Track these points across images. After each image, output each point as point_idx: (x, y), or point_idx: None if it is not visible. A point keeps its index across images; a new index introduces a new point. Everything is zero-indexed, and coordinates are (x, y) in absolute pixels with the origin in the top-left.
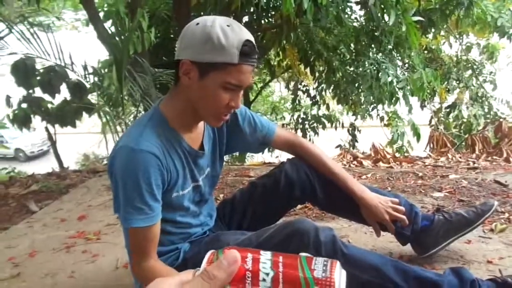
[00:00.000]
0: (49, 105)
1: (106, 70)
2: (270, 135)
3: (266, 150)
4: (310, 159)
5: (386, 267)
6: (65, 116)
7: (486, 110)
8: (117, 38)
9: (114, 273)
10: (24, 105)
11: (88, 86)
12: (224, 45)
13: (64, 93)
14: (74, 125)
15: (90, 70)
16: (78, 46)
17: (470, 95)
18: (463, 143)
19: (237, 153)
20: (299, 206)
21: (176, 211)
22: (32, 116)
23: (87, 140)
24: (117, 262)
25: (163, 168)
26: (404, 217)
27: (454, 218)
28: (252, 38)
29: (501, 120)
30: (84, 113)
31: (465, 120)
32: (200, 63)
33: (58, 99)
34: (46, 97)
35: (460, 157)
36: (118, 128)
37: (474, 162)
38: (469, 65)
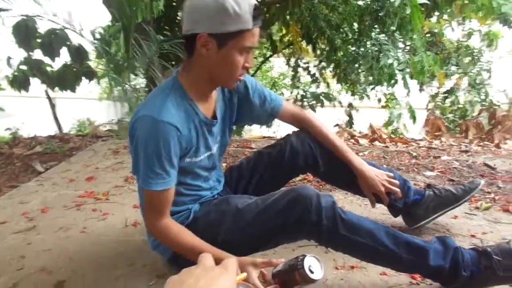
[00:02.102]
0: (49, 69)
1: (111, 36)
2: (278, 108)
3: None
4: (314, 132)
5: (379, 232)
6: (65, 80)
7: (482, 97)
8: (125, 5)
9: (124, 230)
10: (23, 67)
11: (89, 51)
12: (239, 13)
13: (64, 57)
14: (74, 90)
15: (98, 36)
16: (78, 9)
17: (468, 82)
18: (457, 128)
19: (245, 125)
20: (298, 178)
21: (188, 175)
22: (31, 78)
23: (82, 106)
24: (126, 221)
25: (182, 138)
26: (398, 189)
27: (444, 194)
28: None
29: (495, 107)
30: (83, 78)
31: (461, 106)
32: (218, 34)
33: (57, 63)
34: (46, 60)
35: (454, 141)
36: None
37: (466, 146)
38: (469, 51)
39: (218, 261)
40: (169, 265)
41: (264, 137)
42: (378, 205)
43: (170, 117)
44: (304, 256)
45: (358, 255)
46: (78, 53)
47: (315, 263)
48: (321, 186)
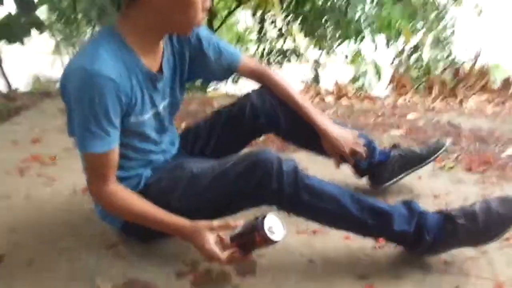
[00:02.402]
0: None
1: None
2: (235, 62)
3: (230, 81)
4: (276, 89)
5: (343, 197)
6: (12, 31)
7: (446, 54)
8: None
9: (72, 197)
10: None
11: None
12: None
13: (9, 6)
14: (22, 42)
15: None
16: None
17: (433, 38)
18: (422, 85)
19: (200, 83)
20: (261, 139)
21: (135, 136)
22: None
23: (38, 61)
24: (75, 187)
25: (121, 93)
26: (363, 150)
27: (409, 154)
28: None
29: (458, 64)
30: (33, 30)
31: (425, 63)
32: None
33: (1, 13)
34: None
35: (418, 98)
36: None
37: (430, 104)
38: (435, 7)
39: (173, 226)
40: (121, 234)
41: (228, 95)
42: (342, 166)
43: (105, 68)
44: (264, 215)
45: (322, 221)
46: (25, 2)
47: (276, 222)
48: (284, 147)
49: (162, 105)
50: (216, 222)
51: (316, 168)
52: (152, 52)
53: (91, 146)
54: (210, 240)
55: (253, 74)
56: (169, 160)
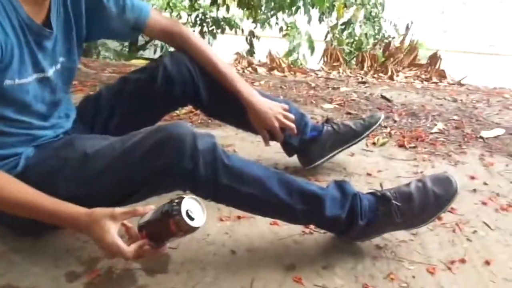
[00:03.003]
0: None
1: None
2: (143, 18)
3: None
4: (194, 52)
5: (270, 179)
6: None
7: (376, 30)
8: None
9: None
10: None
11: None
12: None
13: None
14: None
15: None
16: None
17: (364, 14)
18: (354, 60)
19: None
20: (183, 112)
21: (11, 105)
22: None
23: None
24: None
25: None
26: (293, 125)
27: (342, 129)
28: None
29: (389, 40)
30: None
31: (357, 38)
32: None
33: None
34: None
35: (351, 72)
36: None
37: (362, 78)
38: None
39: (63, 216)
40: None
41: (149, 59)
42: (272, 143)
43: None
44: (181, 198)
45: (245, 207)
46: None
47: (195, 206)
48: (209, 121)
49: (52, 70)
50: (119, 209)
51: (244, 146)
52: (37, 3)
53: None
54: (112, 230)
55: (165, 34)
56: (61, 136)
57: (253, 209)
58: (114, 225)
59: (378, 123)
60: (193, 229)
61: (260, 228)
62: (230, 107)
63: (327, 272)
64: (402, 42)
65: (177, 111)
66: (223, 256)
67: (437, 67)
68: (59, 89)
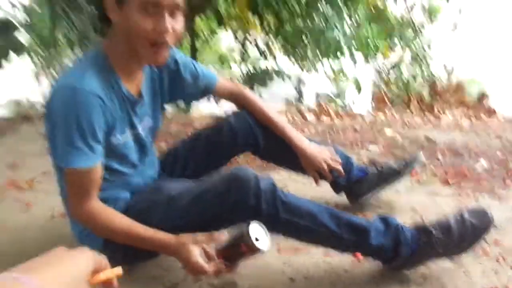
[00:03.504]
0: None
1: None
2: (212, 84)
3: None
4: (253, 109)
5: (321, 214)
6: None
7: (424, 70)
8: None
9: (50, 223)
10: None
11: (16, 24)
12: None
13: None
14: (0, 65)
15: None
16: None
17: (411, 55)
18: (401, 101)
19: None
20: (241, 158)
21: (114, 158)
22: None
23: (21, 86)
24: (53, 212)
25: (105, 110)
26: (340, 167)
27: (385, 169)
28: None
29: (435, 80)
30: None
31: (404, 79)
32: None
33: None
34: None
35: (397, 114)
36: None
37: (408, 119)
38: (412, 25)
39: (157, 242)
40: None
41: (211, 116)
42: (322, 183)
43: (92, 86)
44: (249, 223)
45: (300, 238)
46: (4, 26)
47: (261, 231)
48: (264, 165)
49: (141, 128)
50: (200, 235)
51: (296, 186)
52: (133, 76)
53: (76, 161)
54: (195, 252)
55: (230, 95)
56: (149, 183)
57: (308, 239)
58: (197, 248)
59: (418, 161)
60: (261, 251)
61: (315, 259)
62: (284, 153)
63: None
64: (448, 81)
65: (237, 157)
66: (283, 283)
67: (485, 104)
68: (147, 143)
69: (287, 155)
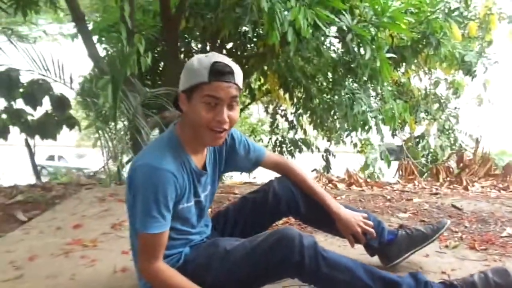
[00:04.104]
0: (29, 117)
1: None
2: (261, 157)
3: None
4: (295, 178)
5: (357, 268)
6: (46, 128)
7: (451, 141)
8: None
9: (113, 277)
10: (4, 116)
11: (71, 99)
12: (196, 68)
13: (45, 106)
14: (55, 138)
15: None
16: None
17: (438, 127)
18: (429, 172)
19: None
20: (280, 222)
21: (178, 220)
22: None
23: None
24: (115, 267)
25: (177, 185)
26: (372, 230)
27: (415, 233)
28: (225, 60)
29: (462, 151)
30: (64, 127)
31: (432, 150)
32: (185, 89)
33: (38, 112)
34: (27, 109)
35: (425, 184)
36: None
37: (436, 189)
38: (437, 99)
39: None
40: None
41: (245, 183)
42: (356, 246)
43: (168, 165)
44: None
45: None
46: (60, 102)
47: None
48: (303, 228)
49: (203, 195)
50: None
51: (332, 249)
52: (199, 154)
53: (150, 228)
54: None
55: (275, 166)
56: (204, 239)
57: None
58: None
59: (446, 226)
60: None
61: None
62: (322, 218)
63: None
64: (475, 153)
65: (276, 223)
66: None
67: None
68: (204, 206)
69: (325, 219)
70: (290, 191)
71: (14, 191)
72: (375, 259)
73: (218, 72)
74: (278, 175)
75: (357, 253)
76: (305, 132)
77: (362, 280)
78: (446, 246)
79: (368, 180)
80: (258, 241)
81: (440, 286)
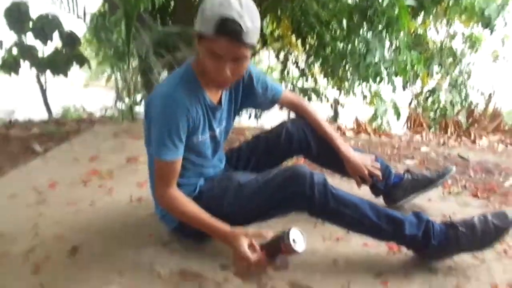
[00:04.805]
0: (40, 54)
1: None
2: (278, 95)
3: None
4: (309, 119)
5: (364, 205)
6: (57, 64)
7: (462, 97)
8: None
9: (130, 205)
10: (14, 51)
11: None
12: (205, 16)
13: (55, 42)
14: (66, 74)
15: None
16: None
17: (450, 82)
18: (437, 125)
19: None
20: (289, 163)
21: (193, 152)
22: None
23: (67, 93)
24: (131, 197)
25: (190, 116)
26: (379, 172)
27: (420, 177)
28: (237, 15)
29: (473, 107)
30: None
31: (442, 105)
32: (196, 32)
33: (48, 48)
34: (38, 44)
35: (433, 136)
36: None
37: (444, 141)
38: (452, 53)
39: (216, 230)
40: (173, 234)
41: (254, 127)
42: (362, 187)
43: (182, 97)
44: (290, 229)
45: (344, 225)
46: (70, 38)
47: (299, 236)
48: (312, 167)
49: (218, 130)
50: (251, 230)
51: (340, 187)
52: (215, 88)
53: (163, 155)
54: (244, 244)
55: (291, 105)
56: (219, 173)
57: (350, 227)
58: (246, 240)
59: (451, 172)
60: (296, 252)
61: (354, 247)
62: (332, 158)
63: (407, 280)
64: (485, 109)
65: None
66: (327, 264)
67: None
68: (219, 141)
69: (335, 160)
70: (302, 131)
71: (29, 125)
72: (380, 200)
73: (225, 29)
74: (292, 116)
75: (362, 194)
76: (315, 81)
77: (368, 216)
78: (449, 193)
79: (376, 130)
80: (271, 176)
81: (441, 225)
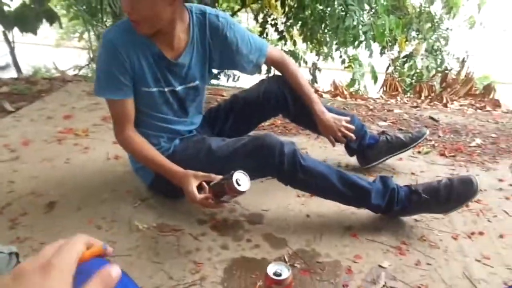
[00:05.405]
0: (6, 8)
1: None
2: (262, 57)
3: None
4: (289, 78)
5: (332, 175)
6: (25, 21)
7: (438, 63)
8: None
9: (107, 163)
10: None
11: None
12: None
13: None
14: (35, 32)
15: None
16: None
17: (426, 48)
18: (412, 90)
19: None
20: (266, 123)
21: (146, 105)
22: None
23: (38, 53)
24: (108, 154)
25: (125, 62)
26: (351, 134)
27: (394, 140)
28: None
29: (446, 72)
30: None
31: (418, 70)
32: None
33: (15, 2)
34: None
35: (407, 100)
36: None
37: (417, 104)
38: (430, 18)
39: (169, 170)
40: (150, 190)
41: (233, 87)
42: (337, 146)
43: (117, 40)
44: (234, 171)
45: (312, 193)
46: None
47: (243, 177)
48: (287, 131)
49: (181, 87)
50: (201, 173)
51: (313, 149)
52: (173, 42)
53: (103, 93)
54: (193, 183)
55: (273, 64)
56: (194, 132)
57: (318, 195)
58: (196, 181)
59: (424, 137)
60: (239, 192)
61: (327, 203)
62: (307, 118)
63: (375, 232)
64: (458, 73)
65: (263, 124)
66: (301, 218)
67: (491, 97)
68: (188, 100)
69: (311, 120)
70: (280, 90)
71: None
72: (354, 159)
73: None
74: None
75: (337, 153)
76: (294, 44)
77: (335, 186)
78: (419, 152)
79: (353, 94)
80: (240, 143)
81: (406, 190)
